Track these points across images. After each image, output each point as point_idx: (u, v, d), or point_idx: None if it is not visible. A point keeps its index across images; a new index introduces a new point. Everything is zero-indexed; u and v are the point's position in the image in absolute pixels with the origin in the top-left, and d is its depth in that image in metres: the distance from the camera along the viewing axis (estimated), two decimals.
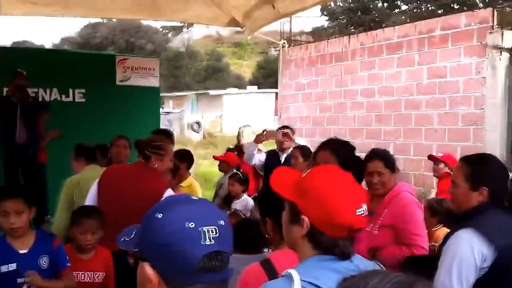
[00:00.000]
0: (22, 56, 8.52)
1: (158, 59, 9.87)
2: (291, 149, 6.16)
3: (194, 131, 29.76)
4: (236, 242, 1.43)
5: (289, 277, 1.64)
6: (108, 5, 8.12)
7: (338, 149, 3.36)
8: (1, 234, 3.37)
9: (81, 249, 3.60)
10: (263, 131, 6.30)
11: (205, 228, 1.28)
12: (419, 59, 9.03)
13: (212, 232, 1.28)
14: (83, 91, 8.81)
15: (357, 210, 1.71)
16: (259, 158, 6.45)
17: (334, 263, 1.70)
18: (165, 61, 41.63)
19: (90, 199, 3.92)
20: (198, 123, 30.14)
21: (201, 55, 46.31)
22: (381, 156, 3.65)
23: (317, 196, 1.72)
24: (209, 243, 1.27)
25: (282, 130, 6.30)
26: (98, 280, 3.61)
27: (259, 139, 6.33)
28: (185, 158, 5.95)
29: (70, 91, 8.74)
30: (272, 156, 6.33)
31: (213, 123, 30.95)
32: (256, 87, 35.02)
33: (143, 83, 9.16)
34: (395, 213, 3.48)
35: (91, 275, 3.59)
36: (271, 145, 7.41)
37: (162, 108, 31.70)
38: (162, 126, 9.15)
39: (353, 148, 3.48)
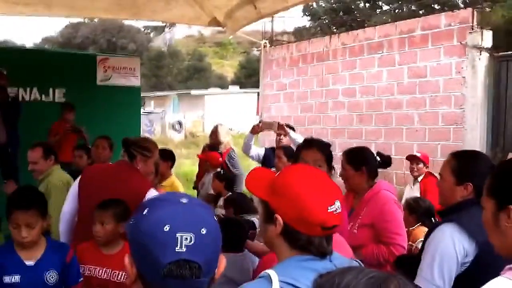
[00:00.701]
0: (2, 56, 8.43)
1: (139, 58, 9.85)
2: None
3: (176, 131, 29.66)
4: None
5: (268, 278, 1.63)
6: (88, 5, 8.07)
7: (323, 147, 3.40)
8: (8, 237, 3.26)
9: (105, 243, 3.29)
10: (259, 122, 6.33)
11: (180, 234, 1.25)
12: (400, 59, 9.08)
13: (186, 240, 1.25)
14: (64, 91, 8.76)
15: (329, 207, 1.70)
16: (258, 152, 6.48)
17: (313, 262, 1.69)
18: (147, 61, 41.49)
19: (70, 199, 3.90)
20: (179, 122, 30.04)
21: (183, 55, 46.24)
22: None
23: (288, 193, 1.73)
24: (180, 250, 1.24)
25: (278, 122, 6.32)
26: (116, 279, 3.22)
27: (255, 129, 6.35)
28: (168, 157, 5.96)
29: (51, 91, 8.69)
30: (271, 153, 6.34)
31: (195, 123, 30.89)
32: (238, 87, 35.02)
33: (124, 83, 9.13)
34: (375, 211, 3.50)
35: (109, 272, 3.24)
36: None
37: (144, 108, 31.58)
38: (143, 126, 9.13)
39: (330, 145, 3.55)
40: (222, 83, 39.36)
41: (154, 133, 29.94)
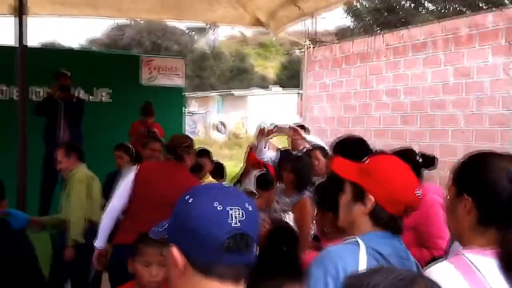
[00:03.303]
0: (49, 57, 8.65)
1: (183, 59, 9.95)
2: (304, 147, 6.12)
3: (219, 131, 29.88)
4: None
5: (355, 243, 1.86)
6: (132, 7, 8.26)
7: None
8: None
9: None
10: (274, 127, 6.29)
11: (232, 210, 1.30)
12: (445, 59, 8.91)
13: (239, 215, 1.30)
14: (109, 91, 8.92)
15: (416, 191, 1.98)
16: (271, 156, 6.41)
17: (389, 239, 1.94)
18: (190, 62, 41.89)
19: (123, 195, 3.98)
20: (222, 123, 30.25)
21: (225, 56, 46.43)
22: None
23: (382, 176, 1.96)
24: (236, 225, 1.29)
25: (292, 126, 6.26)
26: None
27: (269, 133, 6.31)
28: (208, 155, 6.10)
29: (96, 91, 8.86)
30: (285, 155, 6.30)
31: (238, 123, 31.01)
32: (280, 87, 34.98)
33: (168, 83, 9.24)
34: (419, 214, 3.43)
35: None
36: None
37: (187, 108, 31.87)
38: (186, 127, 9.23)
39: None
40: (264, 84, 39.39)
41: (198, 133, 30.22)
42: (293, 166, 5.05)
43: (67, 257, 4.98)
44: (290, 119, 23.31)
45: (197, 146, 5.22)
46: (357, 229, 1.98)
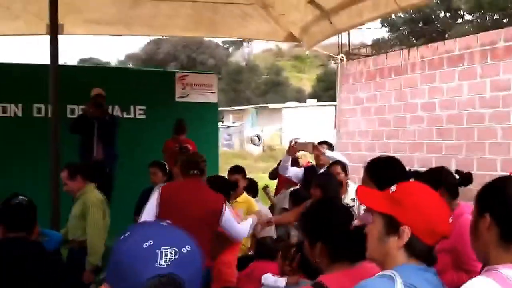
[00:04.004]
0: (85, 75, 8.80)
1: (216, 75, 10.02)
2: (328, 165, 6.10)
3: (254, 144, 29.92)
4: None
5: (390, 278, 1.76)
6: (166, 24, 8.35)
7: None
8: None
9: None
10: (294, 143, 6.27)
11: (162, 249, 1.23)
12: (482, 71, 8.76)
13: (171, 254, 1.23)
14: (144, 108, 9.03)
15: (449, 219, 1.89)
16: (296, 172, 6.40)
17: (424, 272, 1.83)
18: (226, 75, 42.18)
19: (150, 214, 4.00)
20: (258, 136, 30.29)
21: (261, 69, 46.66)
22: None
23: (416, 205, 1.86)
24: (161, 265, 1.22)
25: (312, 143, 6.26)
26: None
27: (291, 151, 6.30)
28: (243, 172, 6.11)
29: (131, 108, 8.98)
30: (311, 172, 6.27)
31: (273, 136, 31.02)
32: (316, 100, 34.90)
33: (201, 99, 9.31)
34: (456, 236, 3.31)
35: None
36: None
37: (222, 122, 32.08)
38: (222, 140, 9.27)
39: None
40: (299, 97, 39.39)
41: (233, 146, 30.32)
42: (320, 182, 5.01)
43: (86, 280, 5.04)
44: (325, 132, 23.28)
45: (232, 159, 5.25)
46: (390, 262, 1.88)
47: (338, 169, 5.73)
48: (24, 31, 8.00)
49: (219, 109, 35.43)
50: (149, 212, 4.03)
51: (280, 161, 6.77)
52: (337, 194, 5.08)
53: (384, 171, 3.24)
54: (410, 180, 2.86)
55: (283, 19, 7.85)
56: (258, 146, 29.98)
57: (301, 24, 7.77)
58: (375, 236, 1.95)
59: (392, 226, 1.88)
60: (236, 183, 5.56)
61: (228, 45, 54.78)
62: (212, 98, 9.46)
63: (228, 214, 4.29)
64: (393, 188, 1.96)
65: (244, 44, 52.32)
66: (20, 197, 3.29)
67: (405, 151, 9.78)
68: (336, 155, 6.23)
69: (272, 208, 7.28)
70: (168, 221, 1.37)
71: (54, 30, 5.08)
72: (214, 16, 8.05)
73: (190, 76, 9.49)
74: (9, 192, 3.39)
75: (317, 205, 2.74)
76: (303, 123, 28.21)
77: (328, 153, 6.21)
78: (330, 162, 6.04)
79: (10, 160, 8.09)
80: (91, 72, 9.75)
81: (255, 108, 34.71)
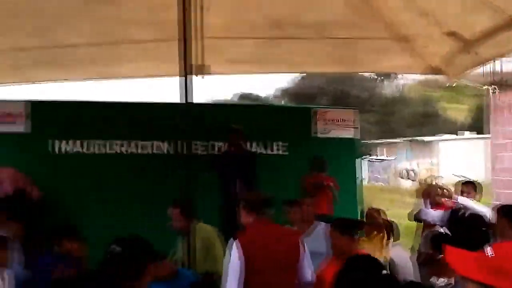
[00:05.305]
0: (224, 113, 9.05)
1: (357, 110, 9.83)
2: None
3: (409, 178, 29.13)
4: None
5: None
6: (304, 61, 8.43)
7: None
8: None
9: None
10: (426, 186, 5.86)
11: None
12: None
13: None
14: (284, 144, 9.10)
15: None
16: (434, 215, 5.95)
17: None
18: (378, 108, 41.51)
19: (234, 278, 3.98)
20: (411, 170, 29.49)
21: (413, 100, 45.34)
22: None
23: None
24: None
25: (439, 187, 5.78)
26: None
27: (424, 194, 5.89)
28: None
29: (272, 144, 9.09)
30: (455, 214, 5.82)
31: (427, 170, 29.87)
32: (475, 132, 33.04)
33: (342, 135, 9.20)
34: None
35: None
36: None
37: (370, 155, 31.58)
38: (371, 174, 9.09)
39: None
40: (454, 129, 37.60)
41: (385, 181, 29.69)
42: (468, 224, 4.68)
43: None
44: (479, 167, 21.89)
45: (382, 193, 5.10)
46: None
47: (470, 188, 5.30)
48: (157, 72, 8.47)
49: (370, 141, 34.99)
50: (233, 274, 3.99)
51: None
52: (488, 237, 4.72)
53: None
54: None
55: (425, 51, 7.60)
56: (412, 180, 29.07)
57: (444, 56, 7.48)
58: None
59: None
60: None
61: (381, 77, 54.01)
62: (353, 134, 9.33)
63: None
64: (489, 250, 1.71)
65: (397, 75, 51.36)
66: (112, 246, 3.04)
67: None
68: (468, 203, 5.69)
69: None
70: None
71: (185, 70, 5.32)
72: (351, 52, 7.99)
73: (330, 112, 9.43)
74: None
75: None
76: (458, 156, 26.88)
77: (461, 199, 5.72)
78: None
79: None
80: (230, 110, 10.03)
81: (408, 140, 33.71)
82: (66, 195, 8.12)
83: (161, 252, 4.99)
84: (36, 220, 6.39)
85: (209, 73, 7.94)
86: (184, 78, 5.36)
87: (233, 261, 4.00)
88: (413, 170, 29.61)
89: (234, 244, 4.08)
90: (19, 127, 8.41)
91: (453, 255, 1.80)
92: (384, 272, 2.89)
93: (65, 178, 8.29)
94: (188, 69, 5.37)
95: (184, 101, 5.39)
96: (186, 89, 5.34)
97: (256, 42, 7.76)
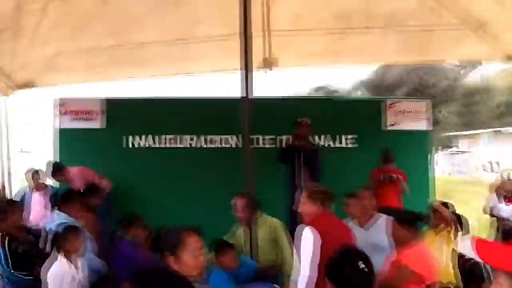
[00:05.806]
0: (295, 106, 8.98)
1: (429, 101, 9.53)
2: None
3: (493, 171, 28.20)
4: None
5: None
6: (375, 52, 8.26)
7: None
8: None
9: None
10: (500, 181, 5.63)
11: None
12: None
13: None
14: (354, 136, 8.97)
15: None
16: (507, 210, 5.70)
17: None
18: (460, 98, 39.99)
19: (315, 263, 3.92)
20: (497, 163, 28.57)
21: (498, 90, 43.39)
22: None
23: None
24: None
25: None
26: None
27: (497, 188, 5.65)
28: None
29: (341, 137, 8.98)
30: None
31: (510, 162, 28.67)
32: None
33: (412, 127, 8.98)
34: None
35: None
36: None
37: (451, 147, 30.57)
38: (454, 166, 8.83)
39: None
40: None
41: (467, 173, 28.80)
42: None
43: None
44: None
45: (463, 186, 4.95)
46: None
47: None
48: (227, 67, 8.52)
49: (451, 134, 33.82)
50: (314, 257, 3.93)
51: None
52: None
53: None
54: None
55: (500, 38, 7.27)
56: (494, 172, 28.04)
57: None
58: None
59: None
60: None
61: (463, 67, 51.98)
62: (424, 126, 9.07)
63: None
64: None
65: (481, 64, 49.27)
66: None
67: None
68: None
69: None
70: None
71: (246, 66, 5.31)
72: (425, 41, 7.75)
73: (401, 104, 9.20)
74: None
75: None
76: None
77: None
78: None
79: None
80: (300, 103, 9.91)
81: (492, 132, 32.40)
82: (138, 187, 8.54)
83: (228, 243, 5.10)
84: (107, 211, 6.70)
85: (277, 67, 7.96)
86: (244, 71, 5.35)
87: (312, 244, 3.94)
88: (497, 163, 28.62)
89: (309, 229, 4.03)
90: (95, 124, 8.89)
91: (484, 248, 1.78)
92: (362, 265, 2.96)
93: (137, 171, 8.72)
94: (249, 63, 5.35)
95: (244, 95, 5.38)
96: (247, 83, 5.33)
97: (325, 35, 7.68)
